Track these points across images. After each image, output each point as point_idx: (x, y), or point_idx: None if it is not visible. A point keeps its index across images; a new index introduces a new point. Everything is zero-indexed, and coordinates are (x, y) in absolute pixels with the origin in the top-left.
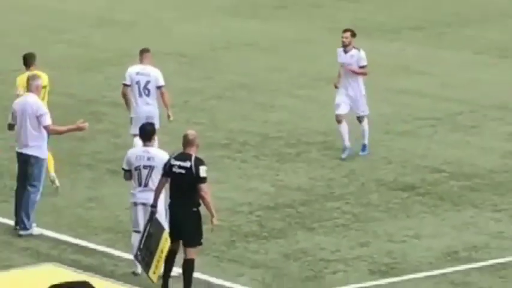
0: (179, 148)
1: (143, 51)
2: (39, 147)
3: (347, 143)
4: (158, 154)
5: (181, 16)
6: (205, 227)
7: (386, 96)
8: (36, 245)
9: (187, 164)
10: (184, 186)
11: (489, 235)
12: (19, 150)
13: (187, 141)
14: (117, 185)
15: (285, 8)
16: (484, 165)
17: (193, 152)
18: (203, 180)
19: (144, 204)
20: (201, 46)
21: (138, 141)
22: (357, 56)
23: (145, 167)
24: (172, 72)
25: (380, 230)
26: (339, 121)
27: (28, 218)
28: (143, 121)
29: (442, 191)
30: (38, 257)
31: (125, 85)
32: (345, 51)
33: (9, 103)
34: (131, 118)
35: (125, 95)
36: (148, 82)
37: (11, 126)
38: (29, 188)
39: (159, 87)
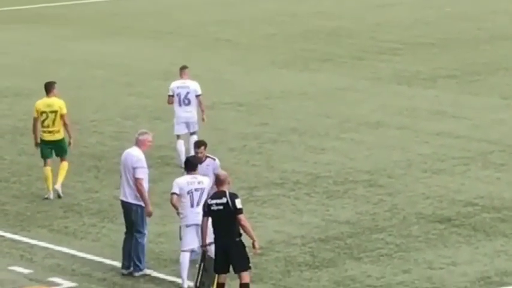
0: (240, 188)
1: (182, 68)
2: (137, 196)
3: None
4: (205, 179)
5: (240, 70)
6: (263, 258)
7: (424, 138)
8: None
9: (223, 200)
10: (224, 220)
11: None
12: (121, 198)
13: (219, 181)
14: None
15: (331, 61)
16: None
17: (226, 189)
18: (240, 211)
19: (196, 224)
20: (258, 96)
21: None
22: None
23: (196, 190)
24: (232, 119)
25: (420, 259)
26: None
27: (140, 261)
28: (183, 125)
29: (475, 222)
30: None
31: (169, 96)
32: None
33: (86, 150)
34: (173, 123)
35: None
36: (188, 93)
37: None
38: (135, 234)
39: (197, 96)
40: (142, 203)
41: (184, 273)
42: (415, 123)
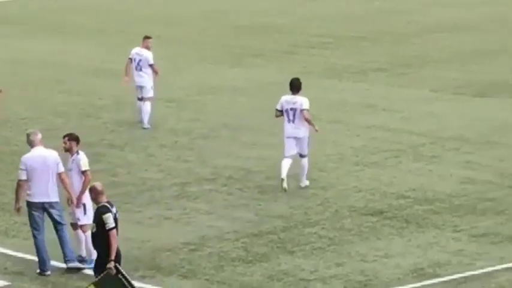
0: (173, 184)
1: (144, 38)
2: (57, 191)
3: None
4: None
5: (170, 66)
6: (196, 254)
7: (355, 132)
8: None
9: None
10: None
11: (450, 253)
12: (43, 200)
13: (99, 192)
14: None
15: (262, 56)
16: (444, 190)
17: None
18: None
19: None
20: (189, 91)
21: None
22: None
23: None
24: (163, 115)
25: (353, 251)
26: None
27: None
28: (139, 88)
29: (408, 214)
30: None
31: (128, 58)
32: None
33: (17, 148)
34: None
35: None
36: (140, 60)
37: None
38: (58, 227)
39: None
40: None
41: None
42: (346, 116)
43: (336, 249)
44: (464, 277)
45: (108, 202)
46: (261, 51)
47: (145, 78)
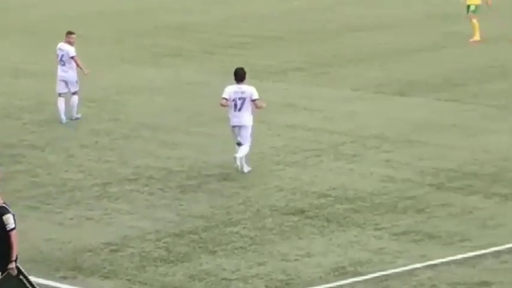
0: (94, 184)
1: (66, 33)
2: None
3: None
4: None
5: (90, 66)
6: (118, 254)
7: (276, 131)
8: None
9: None
10: None
11: (372, 251)
12: None
13: None
14: (36, 220)
15: (181, 56)
16: (365, 189)
17: None
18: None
19: None
20: (108, 91)
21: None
22: None
23: None
24: (84, 115)
25: (275, 251)
26: None
27: None
28: (62, 83)
29: (329, 213)
30: None
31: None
32: None
33: None
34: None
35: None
36: (62, 55)
37: None
38: None
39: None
40: None
41: None
42: (266, 116)
43: (258, 248)
44: (385, 275)
45: (5, 203)
46: (180, 51)
47: (70, 73)
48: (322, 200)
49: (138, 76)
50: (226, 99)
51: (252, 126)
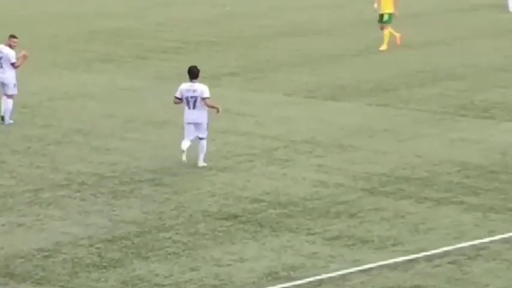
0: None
1: (9, 36)
2: None
3: None
4: None
5: (22, 71)
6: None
7: (209, 136)
8: None
9: None
10: None
11: (305, 256)
12: None
13: None
14: None
15: (114, 61)
16: (298, 193)
17: None
18: None
19: None
20: (41, 97)
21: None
22: None
23: None
24: (16, 121)
25: (208, 256)
26: None
27: None
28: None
29: (262, 218)
30: None
31: None
32: None
33: None
34: None
35: None
36: (1, 58)
37: None
38: None
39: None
40: None
41: None
42: None
43: (191, 253)
44: (318, 280)
45: None
46: (113, 56)
47: (8, 75)
48: (255, 205)
49: (71, 82)
50: (178, 98)
51: (208, 123)
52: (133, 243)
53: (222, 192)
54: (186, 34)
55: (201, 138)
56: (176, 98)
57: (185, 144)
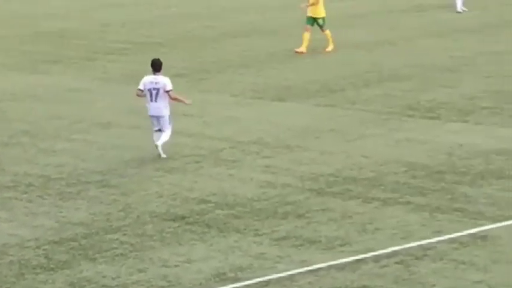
0: None
1: None
2: None
3: None
4: None
5: None
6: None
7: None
8: None
9: None
10: None
11: (252, 257)
12: None
13: None
14: None
15: (61, 62)
16: (245, 194)
17: None
18: None
19: None
20: None
21: None
22: None
23: None
24: None
25: (155, 257)
26: None
27: None
28: None
29: (209, 219)
30: None
31: None
32: None
33: None
34: None
35: None
36: None
37: None
38: None
39: None
40: None
41: None
42: (146, 122)
43: (138, 255)
44: (266, 281)
45: None
46: (59, 57)
47: None
48: (203, 206)
49: (17, 83)
50: (141, 90)
51: (169, 116)
52: (80, 244)
53: (170, 193)
54: (132, 35)
55: (160, 131)
56: (139, 89)
57: (156, 138)
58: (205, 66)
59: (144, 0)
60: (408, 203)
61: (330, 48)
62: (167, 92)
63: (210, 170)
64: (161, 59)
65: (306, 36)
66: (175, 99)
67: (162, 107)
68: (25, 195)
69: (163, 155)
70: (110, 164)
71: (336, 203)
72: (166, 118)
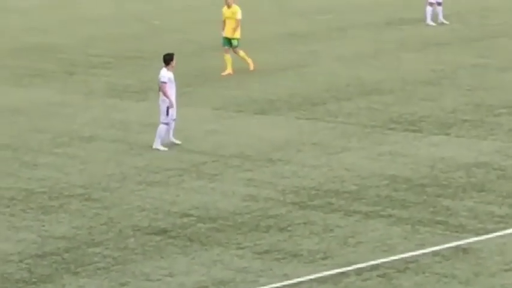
0: None
1: None
2: None
3: None
4: None
5: None
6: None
7: (137, 151)
8: None
9: None
10: None
11: (234, 270)
12: None
13: None
14: None
15: (42, 76)
16: (227, 208)
17: None
18: None
19: None
20: None
21: None
22: None
23: None
24: None
25: (137, 271)
26: None
27: None
28: None
29: (191, 233)
30: None
31: None
32: None
33: None
34: None
35: None
36: None
37: None
38: None
39: None
40: None
41: None
42: (128, 136)
43: (120, 268)
44: None
45: None
46: (41, 71)
47: None
48: (185, 220)
49: (0, 97)
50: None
51: (165, 110)
52: (63, 258)
53: (152, 207)
54: (113, 49)
55: (162, 123)
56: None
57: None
58: (187, 80)
59: (126, 14)
60: (390, 216)
61: (226, 72)
62: (161, 83)
63: (192, 184)
64: (171, 54)
65: (227, 57)
66: (164, 93)
67: (161, 98)
68: (7, 209)
69: (177, 142)
70: (92, 177)
71: (317, 216)
72: (163, 109)
